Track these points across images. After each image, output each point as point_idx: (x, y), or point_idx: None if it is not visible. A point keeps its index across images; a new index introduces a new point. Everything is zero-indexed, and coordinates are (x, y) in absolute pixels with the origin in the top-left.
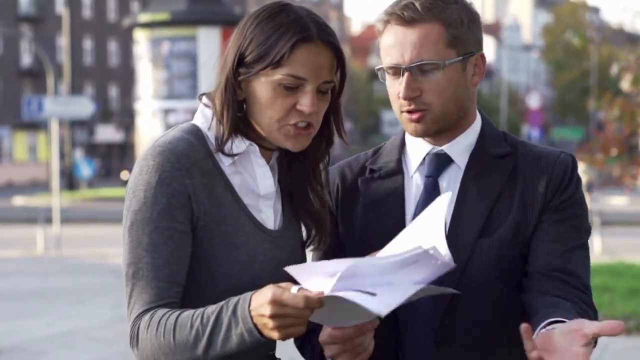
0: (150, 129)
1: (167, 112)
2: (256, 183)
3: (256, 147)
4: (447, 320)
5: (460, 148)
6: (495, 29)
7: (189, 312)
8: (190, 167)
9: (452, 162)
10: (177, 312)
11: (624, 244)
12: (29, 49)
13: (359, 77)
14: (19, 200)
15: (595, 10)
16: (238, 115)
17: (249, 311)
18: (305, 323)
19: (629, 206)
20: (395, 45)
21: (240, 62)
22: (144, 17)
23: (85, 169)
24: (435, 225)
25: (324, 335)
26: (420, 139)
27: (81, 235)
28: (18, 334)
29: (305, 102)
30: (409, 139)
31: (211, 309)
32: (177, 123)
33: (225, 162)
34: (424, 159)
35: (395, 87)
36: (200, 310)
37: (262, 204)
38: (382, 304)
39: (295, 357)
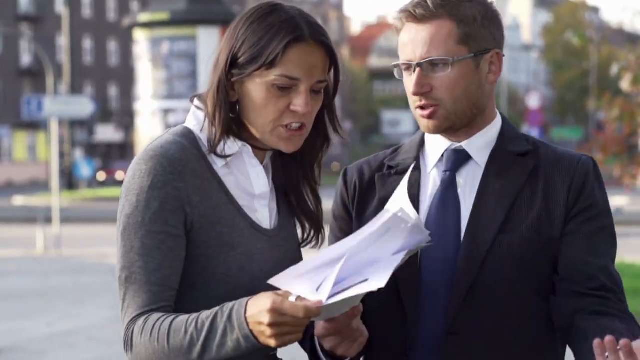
0: (150, 129)
1: (166, 112)
2: (250, 183)
3: (249, 148)
4: (463, 313)
5: (478, 145)
6: None
7: (183, 317)
8: (182, 171)
9: (470, 159)
10: (172, 317)
11: (624, 243)
12: (29, 49)
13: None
14: (18, 200)
15: (595, 10)
16: (231, 116)
17: (246, 318)
18: (302, 331)
19: (629, 206)
20: (408, 43)
21: (232, 63)
22: (144, 17)
23: (85, 169)
24: (398, 196)
25: (319, 328)
26: (439, 137)
27: (81, 235)
28: (18, 333)
29: (299, 102)
30: (429, 137)
31: (205, 315)
32: (177, 123)
33: (218, 164)
34: (442, 155)
35: (409, 84)
36: (194, 315)
37: (257, 203)
38: (376, 282)
39: (296, 357)
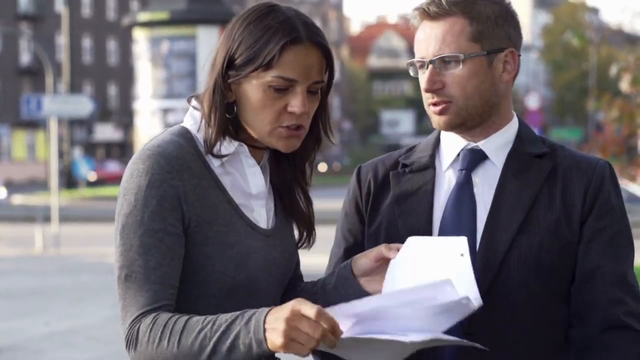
0: (150, 128)
1: (166, 111)
2: (247, 183)
3: (245, 148)
4: (479, 314)
5: (495, 145)
6: None
7: (199, 318)
8: (179, 169)
9: (486, 159)
10: (186, 317)
11: None
12: (28, 48)
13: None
14: (17, 199)
15: (595, 10)
16: (227, 117)
17: (264, 322)
18: (311, 346)
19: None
20: (422, 40)
21: (229, 64)
22: (144, 16)
23: (84, 168)
24: (465, 278)
25: None
26: (455, 136)
27: (80, 234)
28: (17, 332)
29: (296, 103)
30: (444, 136)
31: (224, 317)
32: (176, 122)
33: (214, 163)
34: (458, 154)
35: (422, 81)
36: (212, 317)
37: (255, 203)
38: (412, 337)
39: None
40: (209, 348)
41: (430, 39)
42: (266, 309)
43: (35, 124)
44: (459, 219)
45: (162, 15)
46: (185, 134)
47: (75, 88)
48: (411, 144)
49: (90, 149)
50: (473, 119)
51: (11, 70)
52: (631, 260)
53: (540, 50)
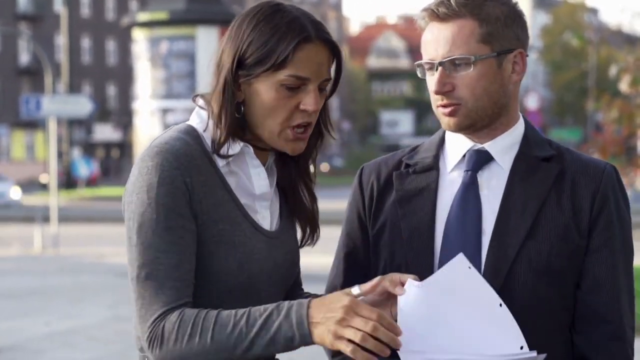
0: (149, 129)
1: (165, 111)
2: (251, 184)
3: (250, 148)
4: None
5: (501, 147)
6: None
7: (229, 312)
8: (188, 166)
9: (492, 160)
10: (214, 312)
11: None
12: (27, 48)
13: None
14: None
15: (594, 11)
16: (236, 117)
17: (308, 314)
18: (361, 342)
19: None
20: (430, 41)
21: (239, 64)
22: (143, 17)
23: (83, 168)
24: (502, 319)
25: None
26: (461, 137)
27: (79, 234)
28: (17, 333)
29: (309, 101)
30: (450, 136)
31: (258, 311)
32: (176, 122)
33: (220, 163)
34: (464, 155)
35: (431, 83)
36: (242, 310)
37: (259, 204)
38: None
39: (294, 357)
40: (245, 343)
41: (439, 40)
42: (305, 302)
43: (34, 124)
44: (464, 220)
45: (162, 15)
46: (192, 132)
47: (74, 88)
48: (410, 144)
49: (90, 149)
50: (482, 120)
51: (10, 70)
52: (632, 265)
53: (539, 50)
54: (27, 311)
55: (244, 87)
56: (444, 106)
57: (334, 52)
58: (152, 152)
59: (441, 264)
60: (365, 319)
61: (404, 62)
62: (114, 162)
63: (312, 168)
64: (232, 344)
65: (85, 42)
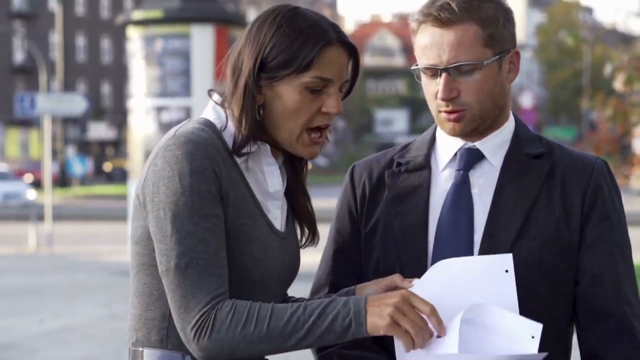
0: (143, 127)
1: (160, 109)
2: (266, 181)
3: (267, 146)
4: None
5: (492, 145)
6: None
7: (285, 305)
8: (216, 156)
9: (483, 159)
10: (269, 304)
11: None
12: (22, 46)
13: None
14: None
15: (589, 10)
16: (257, 120)
17: (365, 305)
18: (414, 331)
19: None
20: (432, 46)
21: (260, 67)
22: (137, 15)
23: (78, 167)
24: (505, 286)
25: None
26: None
27: (73, 233)
28: (11, 331)
29: (331, 103)
30: (440, 135)
31: (315, 303)
32: (171, 121)
33: (237, 160)
34: (455, 154)
35: (432, 87)
36: (299, 303)
37: (271, 204)
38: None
39: (289, 357)
40: (302, 331)
41: (442, 45)
42: (362, 296)
43: (28, 123)
44: (456, 220)
45: (156, 13)
46: (212, 126)
47: (68, 86)
48: (405, 143)
49: (84, 147)
50: (485, 123)
51: (4, 69)
52: (631, 256)
53: (534, 49)
54: (21, 310)
55: (265, 90)
56: (448, 112)
57: (352, 54)
58: (179, 141)
59: (434, 263)
60: (420, 311)
61: (398, 61)
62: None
63: (305, 169)
64: (287, 332)
65: (80, 41)
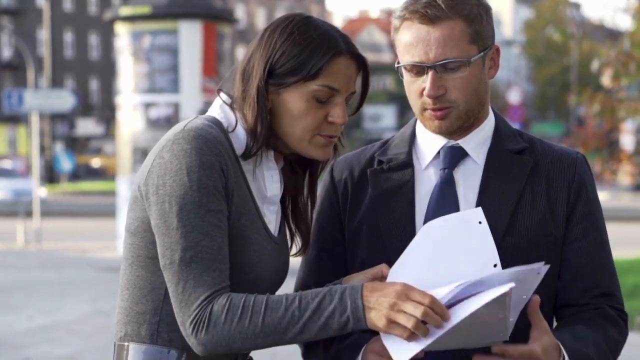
0: (131, 123)
1: (148, 105)
2: (264, 185)
3: (271, 151)
4: None
5: (475, 142)
6: None
7: (279, 296)
8: (224, 154)
9: (467, 156)
10: (263, 296)
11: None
12: (9, 42)
13: None
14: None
15: (576, 5)
16: (270, 126)
17: (362, 297)
18: (411, 327)
19: (609, 202)
20: (417, 43)
21: (269, 73)
22: (125, 11)
23: (66, 163)
24: (481, 237)
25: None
26: (433, 133)
27: (61, 229)
28: None
29: (337, 113)
30: (421, 133)
31: (310, 295)
32: (159, 116)
33: (241, 162)
34: (439, 152)
35: (417, 85)
36: (292, 294)
37: (267, 208)
38: (498, 289)
39: (276, 352)
40: (298, 326)
41: (429, 42)
42: (359, 285)
43: (16, 119)
44: None
45: (144, 9)
46: (219, 125)
47: (56, 82)
48: (383, 140)
49: (72, 143)
50: (469, 120)
51: None
52: (611, 252)
53: (522, 45)
54: (9, 306)
55: (272, 97)
56: (435, 110)
57: (362, 66)
58: (189, 135)
59: None
60: (418, 303)
61: (387, 57)
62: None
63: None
64: (283, 327)
65: (68, 37)
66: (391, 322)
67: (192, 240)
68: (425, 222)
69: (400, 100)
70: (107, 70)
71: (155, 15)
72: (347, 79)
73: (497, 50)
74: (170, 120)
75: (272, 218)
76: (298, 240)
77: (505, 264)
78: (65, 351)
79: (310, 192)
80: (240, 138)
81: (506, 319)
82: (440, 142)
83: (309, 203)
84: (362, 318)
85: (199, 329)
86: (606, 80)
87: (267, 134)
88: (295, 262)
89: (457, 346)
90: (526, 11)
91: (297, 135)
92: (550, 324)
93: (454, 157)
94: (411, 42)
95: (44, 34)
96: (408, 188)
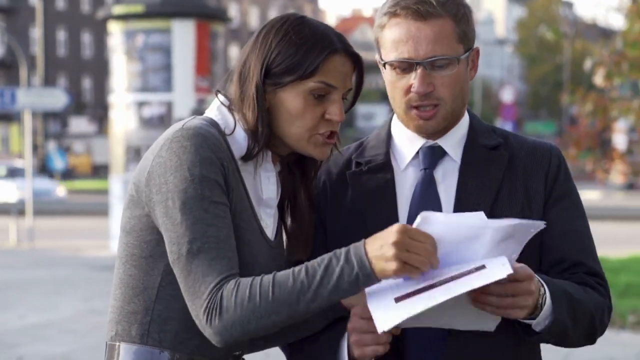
0: (124, 122)
1: (141, 104)
2: (261, 187)
3: (269, 152)
4: None
5: (453, 141)
6: None
7: (286, 271)
8: (223, 152)
9: (445, 155)
10: (271, 274)
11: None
12: (2, 40)
13: None
14: None
15: (569, 4)
16: (270, 126)
17: (366, 253)
18: (425, 267)
19: (602, 200)
20: (407, 40)
21: (265, 73)
22: (118, 9)
23: (58, 161)
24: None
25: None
26: (411, 134)
27: (54, 228)
28: None
29: (334, 110)
30: (398, 133)
31: (316, 262)
32: (152, 115)
33: (238, 161)
34: (417, 152)
35: (403, 83)
36: (298, 267)
37: (263, 211)
38: (499, 270)
39: (270, 353)
40: (309, 294)
41: (419, 39)
42: (359, 243)
43: (9, 117)
44: None
45: (137, 8)
46: (216, 126)
47: (49, 81)
48: (358, 141)
49: (65, 142)
50: (454, 121)
51: None
52: (590, 232)
53: (514, 44)
54: (2, 304)
55: (269, 96)
56: (421, 108)
57: (357, 63)
58: (188, 133)
59: None
60: (421, 243)
61: None
62: None
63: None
64: (295, 298)
65: (61, 35)
66: (401, 263)
67: (198, 232)
68: (408, 222)
69: None
70: (100, 68)
71: (149, 14)
72: (343, 76)
73: (477, 52)
74: (163, 119)
75: (269, 222)
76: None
77: None
78: (58, 350)
79: (307, 194)
80: (239, 140)
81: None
82: (418, 142)
83: (308, 205)
84: (371, 272)
85: (212, 317)
86: (599, 79)
87: (267, 134)
88: None
89: (441, 325)
90: (519, 10)
91: (295, 134)
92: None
93: (433, 156)
94: (400, 39)
95: (36, 32)
96: (389, 189)
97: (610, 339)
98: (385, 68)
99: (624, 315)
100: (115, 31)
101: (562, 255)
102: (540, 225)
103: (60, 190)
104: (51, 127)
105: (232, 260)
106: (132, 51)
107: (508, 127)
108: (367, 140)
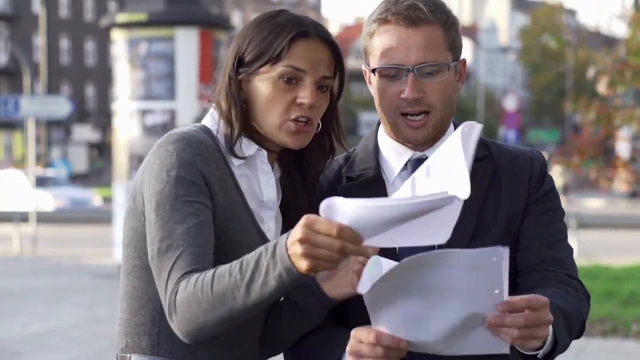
0: (127, 130)
1: (144, 112)
2: (260, 189)
3: (264, 153)
4: None
5: None
6: (472, 31)
7: (226, 265)
8: (207, 157)
9: None
10: (216, 267)
11: (599, 246)
12: (5, 48)
13: None
14: None
15: (572, 12)
16: (245, 110)
17: (286, 246)
18: (336, 259)
19: (605, 209)
20: (398, 46)
21: (240, 62)
22: (122, 17)
23: (62, 169)
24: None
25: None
26: (400, 146)
27: (57, 236)
28: None
29: (305, 94)
30: (386, 146)
31: (250, 255)
32: (155, 124)
33: (235, 163)
34: (406, 164)
35: (394, 89)
36: (239, 259)
37: (265, 213)
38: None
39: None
40: (242, 290)
41: (410, 45)
42: (285, 234)
43: (12, 125)
44: None
45: (140, 16)
46: (208, 132)
47: (52, 89)
48: (346, 154)
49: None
50: (441, 130)
51: None
52: (567, 234)
53: (517, 52)
54: (3, 313)
55: (245, 86)
56: (412, 115)
57: (334, 52)
58: (173, 138)
59: None
60: (326, 235)
61: None
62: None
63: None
64: (230, 294)
65: (64, 43)
66: (313, 260)
67: (168, 230)
68: None
69: None
70: (103, 76)
71: (152, 22)
72: (315, 61)
73: (464, 63)
74: (166, 127)
75: (271, 224)
76: None
77: None
78: (60, 358)
79: (308, 199)
80: (224, 134)
81: (502, 294)
82: (405, 154)
83: (309, 211)
84: (292, 267)
85: (171, 314)
86: (602, 87)
87: (242, 116)
88: None
89: (453, 352)
90: (522, 18)
91: (269, 121)
92: None
93: None
94: (391, 45)
95: (40, 40)
96: None
97: (614, 347)
98: (374, 75)
99: (627, 324)
100: (119, 39)
101: (540, 255)
102: (500, 252)
103: (97, 199)
104: (54, 135)
105: (198, 256)
106: (135, 59)
107: (511, 135)
108: (355, 153)
